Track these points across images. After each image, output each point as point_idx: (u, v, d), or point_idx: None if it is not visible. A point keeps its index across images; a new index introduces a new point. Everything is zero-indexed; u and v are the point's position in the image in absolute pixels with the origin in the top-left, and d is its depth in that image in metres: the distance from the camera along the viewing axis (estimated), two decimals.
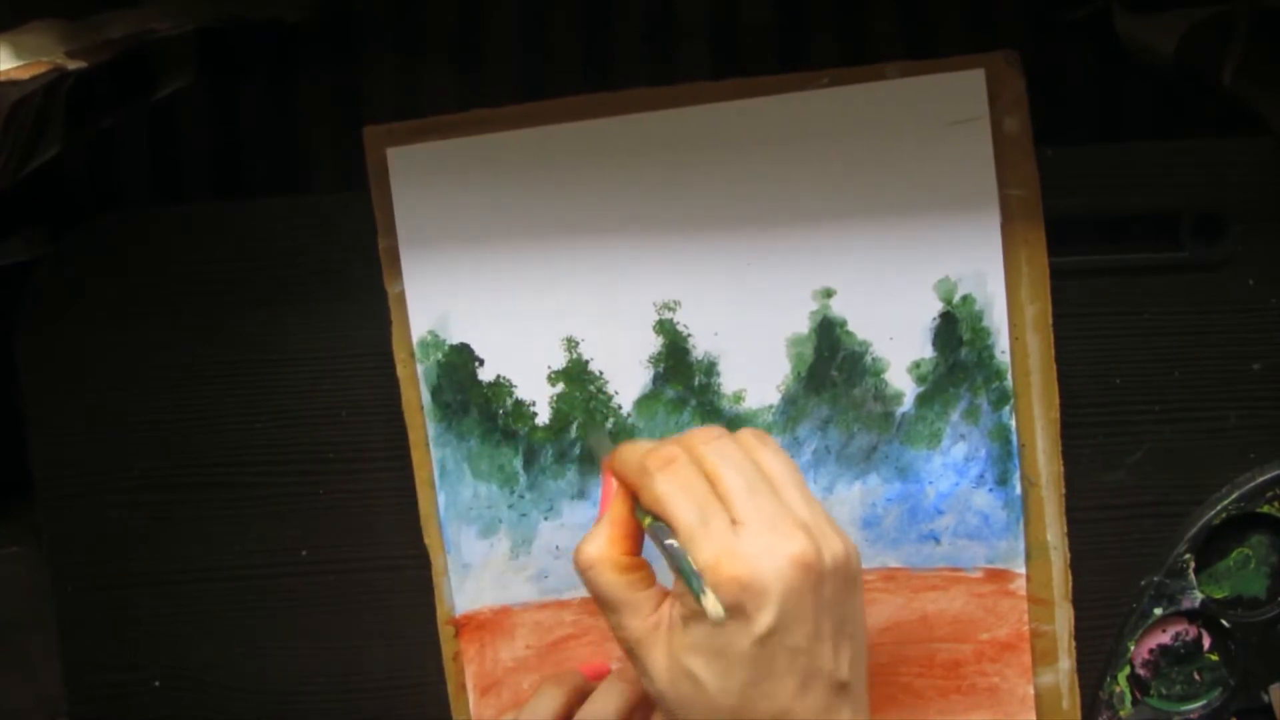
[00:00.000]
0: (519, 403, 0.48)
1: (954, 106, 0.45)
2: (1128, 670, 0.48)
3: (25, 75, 0.41)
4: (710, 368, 0.47)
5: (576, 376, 0.48)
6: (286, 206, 0.49)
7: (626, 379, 0.48)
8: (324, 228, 0.49)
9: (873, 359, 0.47)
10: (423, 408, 0.48)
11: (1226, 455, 0.48)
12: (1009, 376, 0.47)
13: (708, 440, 0.39)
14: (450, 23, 0.55)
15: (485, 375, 0.48)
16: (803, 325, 0.47)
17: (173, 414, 0.49)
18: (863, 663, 0.38)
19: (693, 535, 0.36)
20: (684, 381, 0.47)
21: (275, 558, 0.50)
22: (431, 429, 0.48)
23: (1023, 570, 0.47)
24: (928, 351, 0.47)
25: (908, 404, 0.47)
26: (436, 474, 0.48)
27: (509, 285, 0.47)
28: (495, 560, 0.48)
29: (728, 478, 0.37)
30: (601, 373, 0.48)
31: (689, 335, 0.47)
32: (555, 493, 0.48)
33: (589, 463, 0.48)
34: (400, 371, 0.48)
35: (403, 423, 0.48)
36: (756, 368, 0.47)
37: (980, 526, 0.47)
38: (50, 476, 0.50)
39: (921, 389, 0.47)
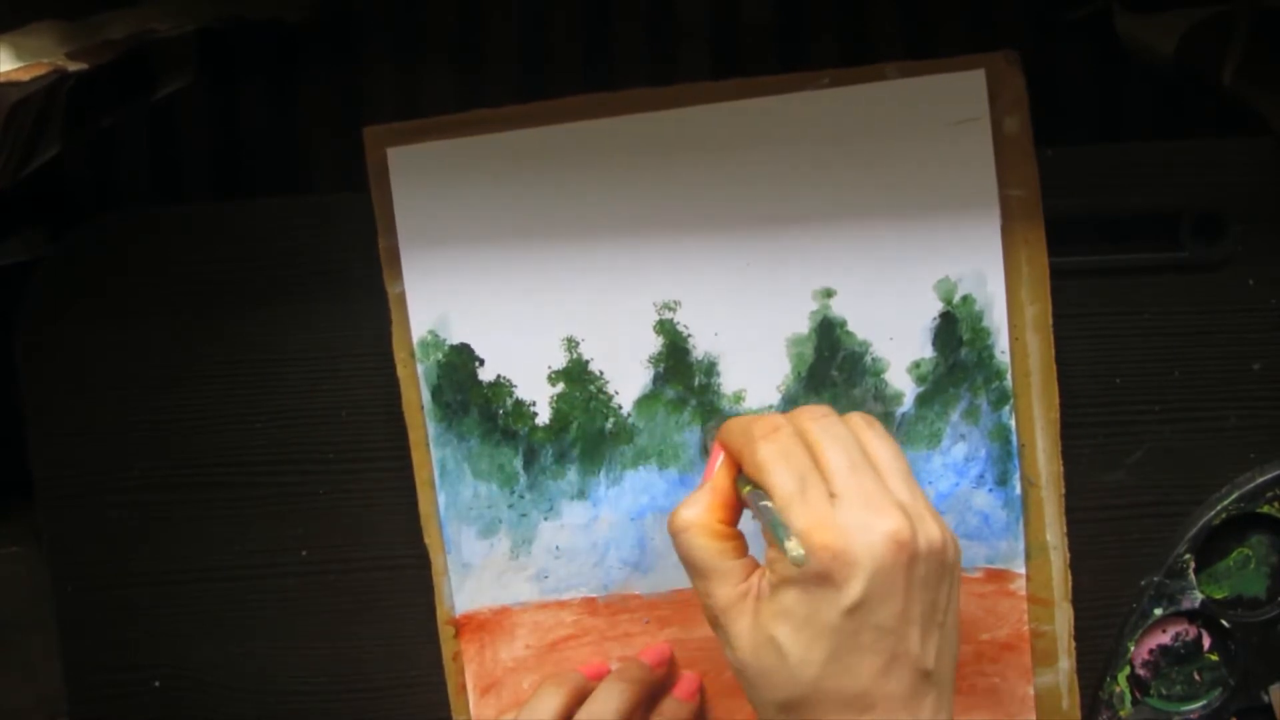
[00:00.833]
0: (519, 403, 0.48)
1: (954, 106, 0.45)
2: (1128, 670, 0.48)
3: (26, 76, 0.41)
4: (710, 368, 0.47)
5: (576, 376, 0.48)
6: (286, 206, 0.49)
7: (626, 379, 0.48)
8: (324, 228, 0.48)
9: (873, 359, 0.47)
10: (423, 408, 0.48)
11: (1226, 455, 0.48)
12: (1009, 376, 0.47)
13: (816, 417, 0.39)
14: (450, 23, 0.55)
15: (485, 375, 0.48)
16: (803, 325, 0.47)
17: (173, 414, 0.49)
18: (953, 657, 0.37)
19: (790, 502, 0.36)
20: (684, 381, 0.47)
21: (275, 558, 0.50)
22: (431, 429, 0.48)
23: (1023, 570, 0.47)
24: (928, 351, 0.47)
25: (908, 404, 0.47)
26: (436, 474, 0.48)
27: (509, 285, 0.47)
28: (495, 560, 0.48)
29: (831, 453, 0.37)
30: (602, 373, 0.48)
31: (689, 335, 0.47)
32: (555, 493, 0.48)
33: (706, 454, 0.47)
34: (400, 371, 0.48)
35: (403, 423, 0.48)
36: (757, 368, 0.47)
37: (980, 527, 0.47)
38: (50, 476, 0.50)
39: (921, 389, 0.47)
